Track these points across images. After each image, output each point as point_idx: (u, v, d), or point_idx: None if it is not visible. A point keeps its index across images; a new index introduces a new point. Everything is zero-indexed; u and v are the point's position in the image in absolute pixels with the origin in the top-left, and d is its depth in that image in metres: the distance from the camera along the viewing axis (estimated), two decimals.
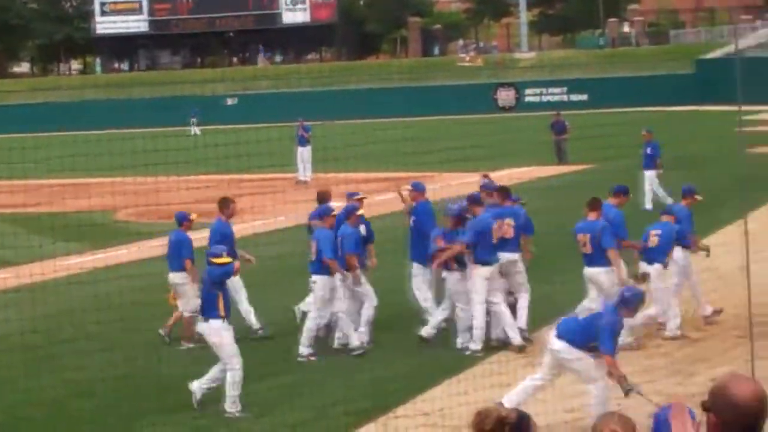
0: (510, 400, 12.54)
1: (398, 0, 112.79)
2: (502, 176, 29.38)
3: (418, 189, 18.52)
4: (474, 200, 17.13)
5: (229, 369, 14.07)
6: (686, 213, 17.89)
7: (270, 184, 37.17)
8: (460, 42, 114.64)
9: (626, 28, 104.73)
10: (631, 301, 12.79)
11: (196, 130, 69.22)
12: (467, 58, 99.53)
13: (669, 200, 26.17)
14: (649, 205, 28.65)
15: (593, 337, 12.43)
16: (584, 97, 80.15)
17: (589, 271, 16.38)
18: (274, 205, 26.64)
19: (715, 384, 5.04)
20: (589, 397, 12.72)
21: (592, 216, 16.45)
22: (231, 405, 14.00)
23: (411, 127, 62.11)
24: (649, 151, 30.58)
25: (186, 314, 17.40)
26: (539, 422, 6.97)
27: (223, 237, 17.07)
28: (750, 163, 37.64)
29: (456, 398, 13.54)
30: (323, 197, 18.50)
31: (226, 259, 14.60)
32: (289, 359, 16.44)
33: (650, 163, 30.25)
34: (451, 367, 15.58)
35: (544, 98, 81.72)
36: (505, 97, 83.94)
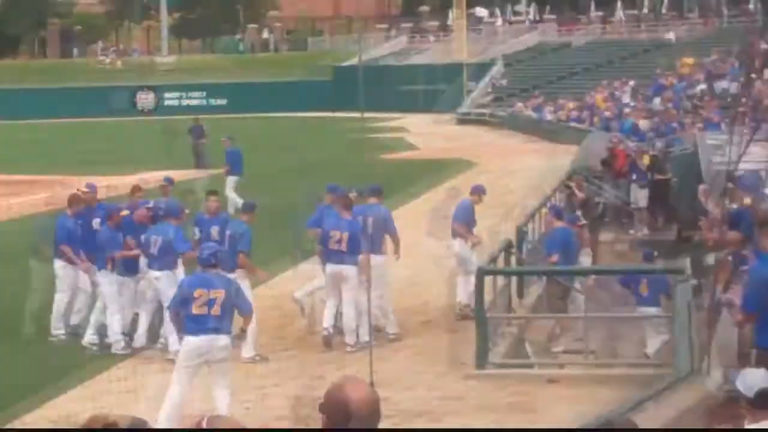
0: None
1: (38, 0, 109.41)
2: (142, 179, 28.96)
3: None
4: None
5: None
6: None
7: None
8: (100, 44, 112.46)
9: (266, 34, 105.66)
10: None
11: None
12: (107, 61, 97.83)
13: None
14: (231, 209, 28.62)
15: None
16: (224, 101, 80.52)
17: None
18: None
19: (330, 387, 5.07)
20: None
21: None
22: None
23: (49, 129, 60.57)
24: (229, 158, 31.71)
25: None
26: None
27: None
28: (378, 169, 38.95)
29: (81, 404, 13.22)
30: None
31: None
32: None
33: (235, 169, 31.26)
34: (81, 373, 15.21)
35: (184, 102, 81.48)
36: (144, 100, 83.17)
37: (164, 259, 16.37)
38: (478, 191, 19.82)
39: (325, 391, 5.12)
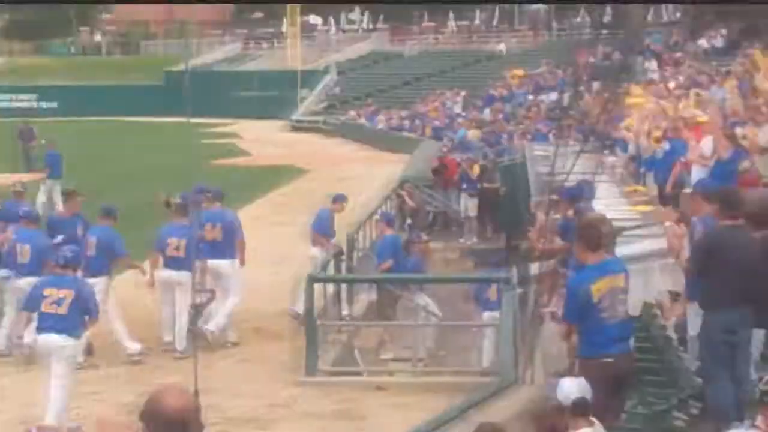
0: None
1: None
2: None
3: None
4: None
5: None
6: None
7: None
8: None
9: (98, 37, 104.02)
10: None
11: None
12: None
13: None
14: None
15: None
16: (54, 104, 79.01)
17: None
18: None
19: (149, 396, 5.04)
20: None
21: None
22: None
23: None
24: (48, 161, 31.47)
25: None
26: None
27: None
28: (209, 175, 38.61)
29: None
30: None
31: None
32: None
33: (54, 172, 30.89)
34: None
35: (14, 104, 79.59)
36: None
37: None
38: (340, 200, 19.95)
39: (145, 400, 5.09)
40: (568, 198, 13.85)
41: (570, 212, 13.48)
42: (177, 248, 16.50)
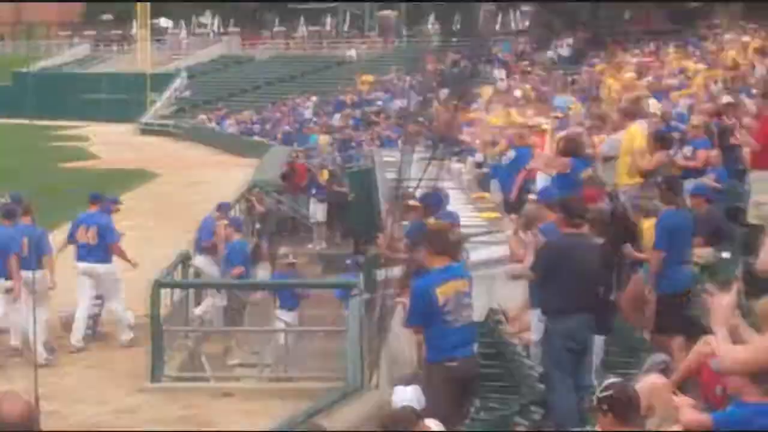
0: None
1: None
2: None
3: None
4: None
5: None
6: None
7: None
8: None
9: None
10: None
11: None
12: None
13: None
14: None
15: None
16: None
17: None
18: None
19: None
20: None
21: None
22: None
23: None
24: None
25: None
26: None
27: None
28: (56, 178, 38.08)
29: None
30: None
31: None
32: None
33: None
34: None
35: None
36: None
37: None
38: (224, 209, 20.10)
39: None
40: (427, 204, 13.96)
41: (428, 218, 13.60)
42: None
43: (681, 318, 11.30)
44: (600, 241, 11.71)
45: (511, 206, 18.47)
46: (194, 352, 16.29)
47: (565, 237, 10.81)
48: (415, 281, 10.49)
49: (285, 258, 20.47)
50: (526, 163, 18.38)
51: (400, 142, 34.39)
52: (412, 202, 13.58)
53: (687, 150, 17.11)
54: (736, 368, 6.85)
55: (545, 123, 20.95)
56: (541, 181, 17.05)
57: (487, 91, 33.93)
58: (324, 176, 30.20)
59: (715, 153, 17.07)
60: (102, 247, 17.23)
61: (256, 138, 52.82)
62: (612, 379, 7.66)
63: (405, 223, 14.12)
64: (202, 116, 64.02)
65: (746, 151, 16.04)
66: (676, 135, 18.06)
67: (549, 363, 10.59)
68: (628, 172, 16.69)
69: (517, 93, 30.91)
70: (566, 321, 10.42)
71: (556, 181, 15.54)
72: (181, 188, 36.61)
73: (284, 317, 17.54)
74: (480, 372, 10.55)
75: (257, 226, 26.04)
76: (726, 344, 6.81)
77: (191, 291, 17.90)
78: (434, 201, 14.41)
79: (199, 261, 19.21)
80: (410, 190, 13.87)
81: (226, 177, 38.99)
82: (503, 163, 19.51)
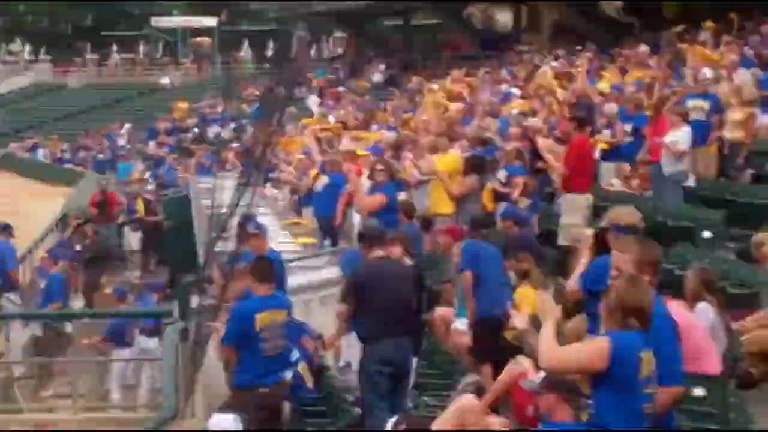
0: None
1: None
2: None
3: None
4: None
5: None
6: None
7: None
8: None
9: None
10: None
11: None
12: None
13: None
14: None
15: None
16: None
17: None
18: None
19: None
20: None
21: None
22: None
23: None
24: None
25: None
26: None
27: None
28: None
29: None
30: None
31: None
32: None
33: None
34: None
35: None
36: None
37: None
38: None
39: None
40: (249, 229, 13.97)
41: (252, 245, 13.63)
42: None
43: (494, 344, 11.04)
44: (410, 262, 11.93)
45: (331, 232, 18.66)
46: (7, 383, 15.99)
47: (372, 262, 10.95)
48: (236, 304, 10.58)
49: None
50: (342, 188, 18.56)
51: (214, 168, 34.33)
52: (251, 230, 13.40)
53: (501, 175, 17.45)
54: (560, 367, 7.04)
55: (359, 149, 21.25)
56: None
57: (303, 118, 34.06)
58: (139, 204, 29.89)
59: (530, 180, 17.45)
60: None
61: (68, 166, 51.93)
62: (406, 412, 7.81)
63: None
64: (13, 145, 62.60)
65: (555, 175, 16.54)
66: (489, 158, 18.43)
67: (365, 387, 10.71)
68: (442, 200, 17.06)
69: (331, 119, 31.14)
70: (380, 345, 10.56)
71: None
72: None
73: (146, 344, 17.23)
74: (291, 397, 10.62)
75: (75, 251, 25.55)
76: (552, 341, 6.98)
77: None
78: (260, 228, 14.52)
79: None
80: (225, 217, 13.86)
81: (39, 207, 38.24)
82: (317, 188, 19.62)
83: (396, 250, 11.49)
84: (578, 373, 7.05)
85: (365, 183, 17.24)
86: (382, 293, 10.59)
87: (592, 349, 6.78)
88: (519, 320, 8.75)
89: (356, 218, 17.97)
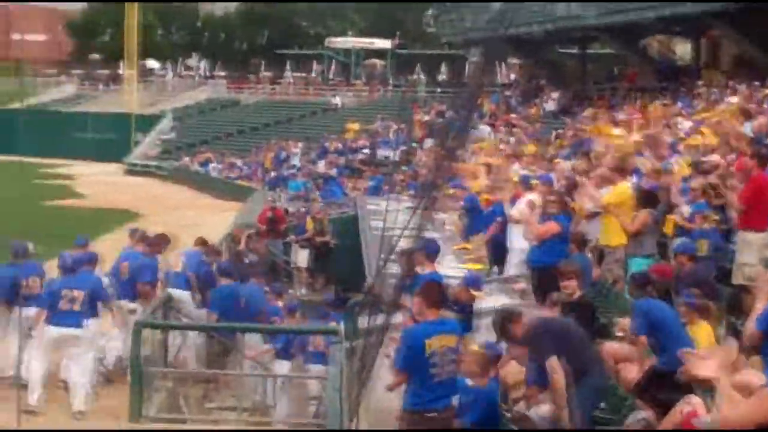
0: None
1: None
2: None
3: None
4: None
5: None
6: None
7: None
8: None
9: None
10: None
11: None
12: None
13: None
14: None
15: None
16: None
17: None
18: None
19: None
20: None
21: None
22: None
23: None
24: None
25: None
26: None
27: None
28: (40, 216, 38.02)
29: None
30: None
31: None
32: None
33: None
34: None
35: None
36: None
37: None
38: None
39: None
40: (427, 254, 14.02)
41: (426, 268, 13.65)
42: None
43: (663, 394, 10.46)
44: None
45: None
46: (173, 394, 16.26)
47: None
48: (407, 328, 10.60)
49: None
50: (500, 215, 18.65)
51: (384, 189, 34.57)
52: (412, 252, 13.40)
53: (685, 210, 17.13)
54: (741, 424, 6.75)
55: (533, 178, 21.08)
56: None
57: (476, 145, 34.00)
58: (308, 223, 30.21)
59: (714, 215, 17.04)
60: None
61: (239, 182, 52.88)
62: None
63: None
64: (186, 158, 64.04)
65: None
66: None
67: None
68: (615, 232, 16.79)
69: (501, 146, 31.03)
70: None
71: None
72: (168, 230, 36.43)
73: (280, 368, 17.35)
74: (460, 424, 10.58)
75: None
76: (730, 394, 6.74)
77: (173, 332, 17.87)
78: (436, 250, 14.56)
79: (178, 294, 18.95)
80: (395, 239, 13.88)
81: (209, 220, 39.02)
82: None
83: None
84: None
85: (536, 212, 17.09)
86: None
87: None
88: (706, 369, 8.00)
89: (517, 245, 17.98)
